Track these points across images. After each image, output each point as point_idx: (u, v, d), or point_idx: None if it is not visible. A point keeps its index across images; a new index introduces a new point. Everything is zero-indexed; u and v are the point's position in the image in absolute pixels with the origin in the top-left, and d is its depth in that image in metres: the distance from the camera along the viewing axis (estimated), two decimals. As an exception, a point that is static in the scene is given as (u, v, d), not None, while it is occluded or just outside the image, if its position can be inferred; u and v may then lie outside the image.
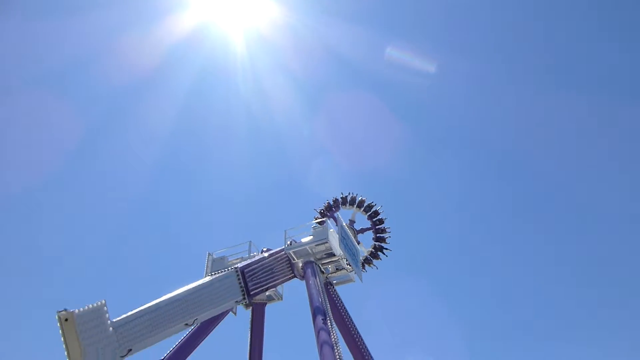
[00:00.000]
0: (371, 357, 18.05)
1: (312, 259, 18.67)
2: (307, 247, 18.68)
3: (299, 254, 18.77)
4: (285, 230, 19.19)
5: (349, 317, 18.61)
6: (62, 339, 11.55)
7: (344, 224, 19.56)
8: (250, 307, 20.05)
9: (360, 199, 26.02)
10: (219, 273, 19.98)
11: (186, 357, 16.04)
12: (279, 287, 20.46)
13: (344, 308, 18.77)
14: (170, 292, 14.71)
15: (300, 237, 19.11)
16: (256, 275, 17.22)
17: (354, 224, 26.05)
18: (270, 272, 18.04)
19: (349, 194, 26.09)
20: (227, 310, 18.02)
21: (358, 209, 26.10)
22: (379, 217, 26.15)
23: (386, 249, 26.10)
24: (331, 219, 21.90)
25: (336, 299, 18.75)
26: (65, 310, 11.64)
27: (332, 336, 13.58)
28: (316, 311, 15.07)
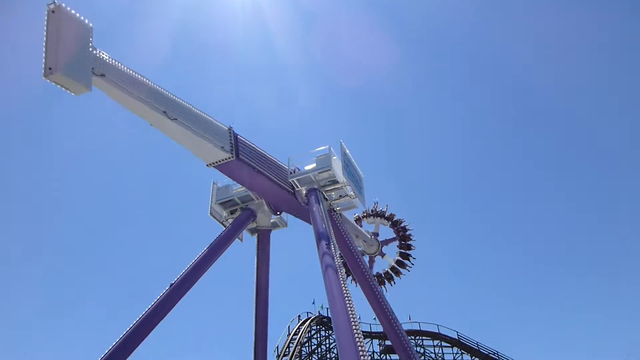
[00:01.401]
0: (372, 278, 18.63)
1: (315, 187, 18.75)
2: (310, 174, 18.71)
3: (302, 182, 18.84)
4: (288, 158, 19.17)
5: (352, 242, 19.00)
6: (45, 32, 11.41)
7: (347, 151, 19.49)
8: (256, 234, 20.47)
9: (381, 210, 26.74)
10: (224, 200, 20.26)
11: (195, 282, 16.54)
12: (283, 214, 20.75)
13: (347, 233, 19.12)
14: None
15: (304, 165, 19.15)
16: (249, 149, 17.26)
17: (378, 236, 26.55)
18: (265, 162, 18.12)
19: (374, 203, 26.82)
20: (233, 237, 18.39)
21: (381, 219, 26.72)
22: (403, 224, 26.88)
23: (412, 257, 26.95)
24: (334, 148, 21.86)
25: (340, 225, 19.03)
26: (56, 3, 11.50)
27: (336, 260, 13.90)
28: (320, 236, 15.33)
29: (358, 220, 26.67)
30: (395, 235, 27.10)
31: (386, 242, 26.85)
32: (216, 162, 16.39)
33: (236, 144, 16.63)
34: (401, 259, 26.72)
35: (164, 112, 14.20)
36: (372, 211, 26.79)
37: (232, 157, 16.35)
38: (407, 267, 26.78)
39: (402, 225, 26.96)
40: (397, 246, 27.05)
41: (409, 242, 27.00)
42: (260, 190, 18.92)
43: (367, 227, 26.77)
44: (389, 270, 26.77)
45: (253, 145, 17.81)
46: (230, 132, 16.56)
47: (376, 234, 26.58)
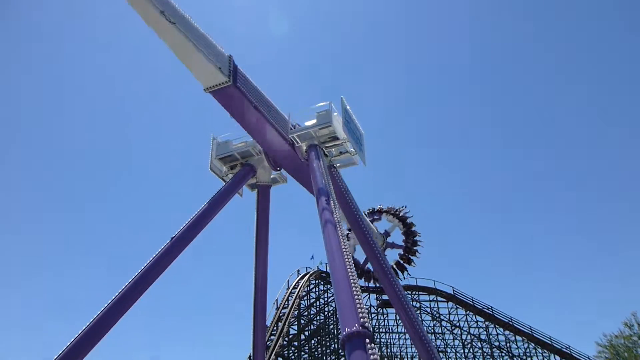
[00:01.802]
0: (371, 234, 18.81)
1: (315, 142, 18.63)
2: (310, 130, 18.54)
3: (302, 138, 18.70)
4: (288, 114, 18.96)
5: (352, 199, 19.05)
6: None
7: (348, 107, 19.25)
8: (256, 190, 20.51)
9: (403, 215, 26.27)
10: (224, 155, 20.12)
11: (196, 235, 16.68)
12: (283, 170, 20.70)
13: (347, 190, 19.14)
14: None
15: (304, 121, 18.97)
16: (248, 82, 16.40)
17: (388, 238, 26.21)
18: (263, 102, 17.27)
19: (403, 207, 26.49)
20: (233, 192, 18.43)
21: (399, 222, 26.22)
22: (417, 238, 26.34)
23: (407, 270, 26.59)
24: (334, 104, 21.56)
25: (339, 181, 19.03)
26: None
27: (335, 215, 13.96)
28: (320, 192, 15.33)
29: (379, 212, 26.42)
30: (403, 245, 26.53)
31: (392, 245, 26.47)
32: (213, 86, 15.48)
33: (235, 72, 15.74)
34: (395, 267, 26.18)
35: (162, 12, 13.39)
36: (396, 211, 26.42)
37: (229, 81, 15.43)
38: (398, 277, 25.80)
39: (415, 238, 26.41)
40: (399, 255, 26.67)
41: (412, 258, 26.46)
42: (256, 131, 17.90)
43: (385, 224, 26.72)
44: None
45: (252, 82, 16.91)
46: (230, 59, 15.68)
47: (388, 234, 26.44)
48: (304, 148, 18.53)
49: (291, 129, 18.62)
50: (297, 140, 18.55)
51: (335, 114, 18.63)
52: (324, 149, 18.82)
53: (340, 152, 19.68)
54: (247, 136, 19.31)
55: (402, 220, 26.44)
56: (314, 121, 18.59)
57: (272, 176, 20.69)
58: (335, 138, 18.63)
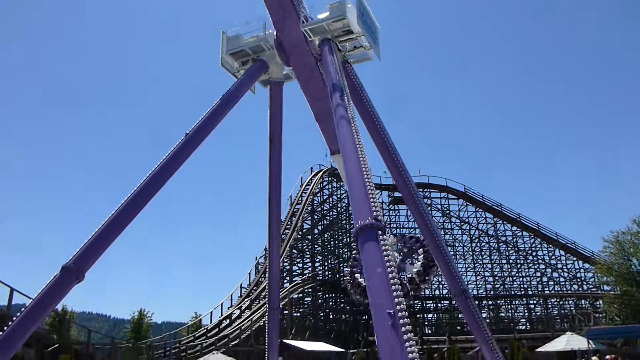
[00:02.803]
0: (385, 130, 18.71)
1: (329, 37, 17.90)
2: (323, 23, 17.74)
3: (315, 31, 17.94)
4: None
5: (366, 95, 18.72)
6: None
7: (363, -1, 18.23)
8: (268, 86, 20.18)
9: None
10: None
11: (209, 132, 16.75)
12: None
13: (361, 86, 18.75)
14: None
15: (317, 14, 18.10)
16: None
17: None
18: None
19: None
20: (245, 88, 18.17)
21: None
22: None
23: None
24: None
25: (353, 78, 18.57)
26: None
27: (349, 112, 13.80)
28: (334, 88, 15.03)
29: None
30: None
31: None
32: None
33: None
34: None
35: None
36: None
37: None
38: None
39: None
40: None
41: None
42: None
43: None
44: None
45: None
46: None
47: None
48: (317, 43, 17.89)
49: (303, 22, 17.85)
50: (310, 34, 17.84)
51: (349, 5, 17.72)
52: (337, 43, 18.16)
53: (355, 47, 18.99)
54: (258, 30, 18.64)
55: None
56: (326, 14, 17.75)
57: (284, 72, 20.23)
58: (350, 32, 17.86)
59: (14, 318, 15.46)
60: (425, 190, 69.10)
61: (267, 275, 28.20)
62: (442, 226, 67.72)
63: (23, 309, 16.15)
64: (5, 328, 14.84)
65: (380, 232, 11.11)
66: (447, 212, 70.34)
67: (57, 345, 28.90)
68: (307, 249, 58.56)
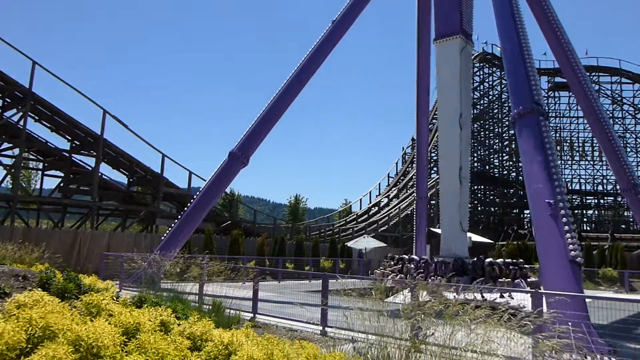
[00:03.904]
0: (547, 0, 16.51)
1: None
2: None
3: None
4: None
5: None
6: None
7: None
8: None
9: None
10: None
11: (356, 17, 16.37)
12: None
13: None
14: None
15: None
16: None
17: None
18: None
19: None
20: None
21: None
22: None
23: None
24: None
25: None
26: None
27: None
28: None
29: None
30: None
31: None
32: None
33: None
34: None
35: None
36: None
37: None
38: None
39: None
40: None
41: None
42: None
43: None
44: None
45: None
46: None
47: None
48: None
49: None
50: None
51: None
52: None
53: None
54: None
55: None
56: None
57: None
58: None
59: (194, 197, 18.01)
60: (593, 74, 61.01)
61: (414, 164, 28.38)
62: (611, 115, 60.22)
63: (200, 190, 18.67)
64: (189, 205, 17.40)
65: (541, 118, 10.28)
66: (619, 99, 61.97)
67: (229, 222, 33.15)
68: (455, 141, 56.98)
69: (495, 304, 5.41)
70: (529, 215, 54.05)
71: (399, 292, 8.90)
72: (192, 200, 17.26)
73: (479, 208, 58.04)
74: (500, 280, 18.09)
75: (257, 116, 16.08)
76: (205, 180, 18.56)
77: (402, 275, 19.09)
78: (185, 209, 17.15)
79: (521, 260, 22.12)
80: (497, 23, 12.12)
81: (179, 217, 17.19)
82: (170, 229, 17.40)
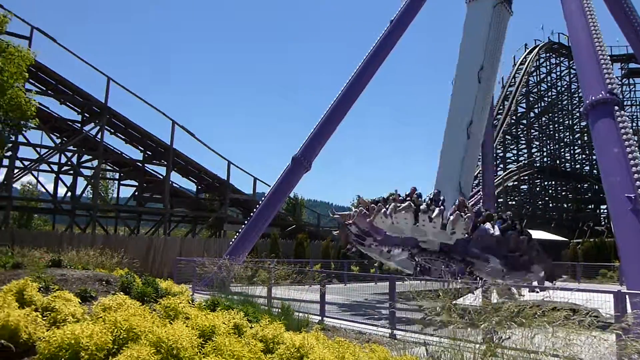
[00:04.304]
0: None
1: None
2: None
3: None
4: None
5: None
6: None
7: None
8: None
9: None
10: None
11: (410, 20, 16.17)
12: None
13: None
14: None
15: None
16: None
17: None
18: None
19: None
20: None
21: None
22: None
23: None
24: None
25: None
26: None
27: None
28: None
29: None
30: None
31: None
32: None
33: None
34: None
35: None
36: None
37: None
38: None
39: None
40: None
41: None
42: None
43: None
44: None
45: None
46: None
47: None
48: None
49: None
50: None
51: None
52: None
53: None
54: None
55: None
56: None
57: None
58: None
59: (260, 202, 18.46)
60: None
61: (479, 163, 27.53)
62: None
63: (265, 195, 19.12)
64: (254, 210, 17.87)
65: (616, 108, 9.73)
66: None
67: (293, 226, 33.62)
68: (522, 135, 54.73)
69: (575, 305, 5.16)
70: (605, 211, 51.01)
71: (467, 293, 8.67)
72: (257, 206, 17.70)
73: (551, 205, 55.41)
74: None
75: (318, 121, 16.29)
76: (269, 186, 19.00)
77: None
78: (252, 214, 17.59)
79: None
80: (563, 9, 11.60)
81: (246, 222, 17.65)
82: (237, 234, 17.90)
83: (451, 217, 13.69)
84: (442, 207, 14.04)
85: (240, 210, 33.59)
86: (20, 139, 24.53)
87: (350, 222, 15.93)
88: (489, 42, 17.26)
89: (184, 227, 37.27)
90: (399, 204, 14.25)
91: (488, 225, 13.78)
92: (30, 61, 19.24)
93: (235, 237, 17.65)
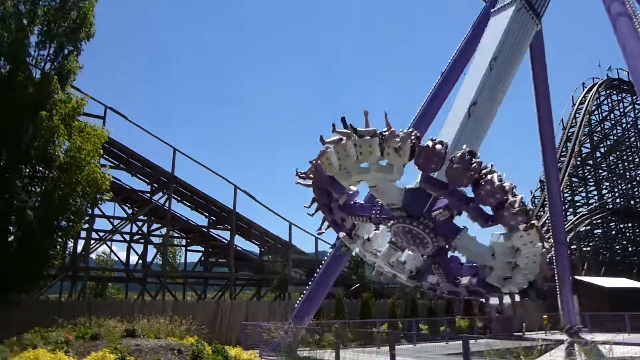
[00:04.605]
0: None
1: None
2: None
3: None
4: None
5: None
6: None
7: None
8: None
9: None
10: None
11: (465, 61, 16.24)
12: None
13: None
14: None
15: None
16: None
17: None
18: None
19: None
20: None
21: None
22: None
23: None
24: None
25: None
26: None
27: (628, 5, 11.53)
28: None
29: None
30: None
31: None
32: None
33: None
34: None
35: None
36: None
37: None
38: None
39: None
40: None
41: None
42: None
43: None
44: None
45: None
46: None
47: None
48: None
49: None
50: None
51: None
52: None
53: None
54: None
55: None
56: None
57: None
58: None
59: (322, 262, 18.43)
60: None
61: (546, 208, 26.40)
62: None
63: (327, 255, 19.10)
64: (318, 271, 17.84)
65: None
66: None
67: (357, 284, 33.10)
68: (589, 176, 52.18)
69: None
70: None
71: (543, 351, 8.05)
72: (320, 266, 17.67)
73: (630, 249, 51.66)
74: None
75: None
76: (330, 244, 18.96)
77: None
78: (315, 274, 17.56)
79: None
80: (621, 49, 11.33)
81: (310, 283, 17.60)
82: (302, 295, 17.84)
83: None
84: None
85: (303, 270, 33.59)
86: (96, 211, 26.09)
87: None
88: (509, 35, 16.60)
89: (248, 289, 37.58)
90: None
91: None
92: (105, 139, 20.90)
93: (300, 299, 17.59)
